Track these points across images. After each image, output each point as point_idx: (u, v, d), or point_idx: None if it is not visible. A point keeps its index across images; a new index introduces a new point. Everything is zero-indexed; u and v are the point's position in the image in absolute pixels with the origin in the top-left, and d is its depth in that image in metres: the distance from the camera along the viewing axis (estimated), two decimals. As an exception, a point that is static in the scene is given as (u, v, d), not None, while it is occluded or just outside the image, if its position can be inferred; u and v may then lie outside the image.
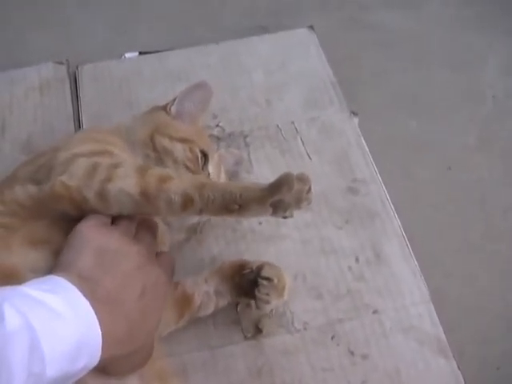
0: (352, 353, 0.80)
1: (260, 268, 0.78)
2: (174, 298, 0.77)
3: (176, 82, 1.07)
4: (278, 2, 1.29)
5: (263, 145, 1.01)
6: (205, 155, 0.84)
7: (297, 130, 1.02)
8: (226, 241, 0.90)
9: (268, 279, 0.77)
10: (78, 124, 1.05)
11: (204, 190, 0.63)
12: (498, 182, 1.01)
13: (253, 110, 1.06)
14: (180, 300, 0.78)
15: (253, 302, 0.80)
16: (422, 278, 0.86)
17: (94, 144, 0.73)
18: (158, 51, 1.16)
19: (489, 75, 1.17)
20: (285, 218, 0.65)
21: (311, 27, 1.18)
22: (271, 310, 0.82)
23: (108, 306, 0.56)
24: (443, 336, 0.81)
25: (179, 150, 0.81)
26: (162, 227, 0.76)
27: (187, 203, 0.63)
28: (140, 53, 1.17)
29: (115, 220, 0.66)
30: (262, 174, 0.97)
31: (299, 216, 0.91)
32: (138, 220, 0.68)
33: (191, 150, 0.82)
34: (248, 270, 0.79)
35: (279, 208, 0.63)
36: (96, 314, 0.53)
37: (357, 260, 0.88)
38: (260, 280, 0.77)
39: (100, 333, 0.52)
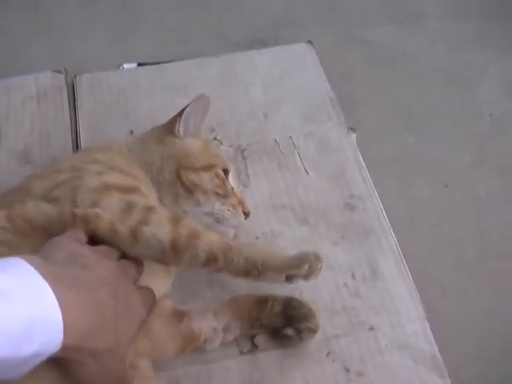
0: (347, 370, 0.80)
1: (289, 301, 0.80)
2: (180, 332, 0.76)
3: (174, 94, 1.08)
4: (276, 16, 1.30)
5: (261, 159, 1.01)
6: (225, 171, 0.85)
7: (294, 144, 1.03)
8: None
9: (310, 310, 0.79)
10: (76, 134, 1.04)
11: (229, 253, 0.67)
12: (495, 199, 1.01)
13: (251, 123, 1.06)
14: (185, 336, 0.77)
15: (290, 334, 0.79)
16: (418, 295, 0.86)
17: (121, 176, 0.73)
18: (156, 63, 1.16)
19: (486, 92, 1.17)
20: (290, 283, 0.71)
21: (310, 42, 1.18)
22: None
23: (76, 293, 0.53)
24: (438, 354, 0.81)
25: (207, 180, 0.82)
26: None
27: (210, 261, 0.67)
28: (139, 64, 1.18)
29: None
30: (259, 187, 0.97)
31: (296, 231, 0.92)
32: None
33: (217, 175, 0.83)
34: (275, 302, 0.80)
35: (291, 278, 0.69)
36: (58, 296, 0.50)
37: (353, 276, 0.88)
38: (301, 311, 0.79)
39: (60, 315, 0.49)
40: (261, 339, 0.81)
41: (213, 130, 1.04)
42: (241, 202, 0.85)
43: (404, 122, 1.12)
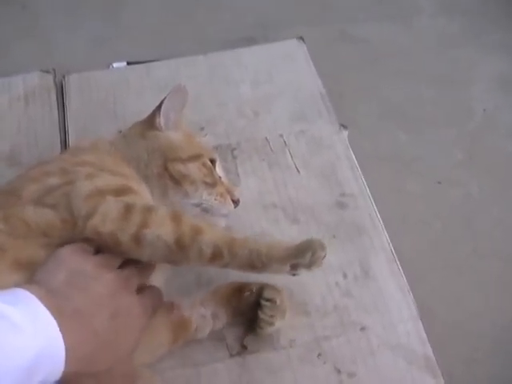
0: (338, 371, 0.78)
1: (261, 290, 0.79)
2: (171, 321, 0.76)
3: (163, 93, 1.05)
4: (266, 14, 1.29)
5: (251, 157, 1.00)
6: (212, 161, 0.85)
7: (285, 142, 1.01)
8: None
9: (271, 301, 0.78)
10: (64, 134, 1.03)
11: (233, 247, 0.67)
12: (488, 196, 1.01)
13: (240, 122, 1.05)
14: (177, 324, 0.77)
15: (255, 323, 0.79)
16: (411, 294, 0.84)
17: (111, 177, 0.74)
18: (146, 61, 1.15)
19: (479, 89, 1.17)
20: (294, 275, 0.71)
21: (301, 38, 1.17)
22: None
23: (75, 321, 0.56)
24: (432, 354, 0.79)
25: (195, 170, 0.82)
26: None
27: (216, 256, 0.67)
28: (128, 63, 1.17)
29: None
30: (249, 186, 0.96)
31: (286, 230, 0.91)
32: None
33: (204, 165, 0.83)
34: (248, 293, 0.79)
35: (295, 268, 0.69)
36: (60, 327, 0.53)
37: (344, 276, 0.86)
38: (263, 302, 0.78)
39: (63, 346, 0.53)
40: (250, 340, 0.80)
41: (202, 128, 1.03)
42: (229, 191, 0.85)
43: (396, 119, 1.11)
